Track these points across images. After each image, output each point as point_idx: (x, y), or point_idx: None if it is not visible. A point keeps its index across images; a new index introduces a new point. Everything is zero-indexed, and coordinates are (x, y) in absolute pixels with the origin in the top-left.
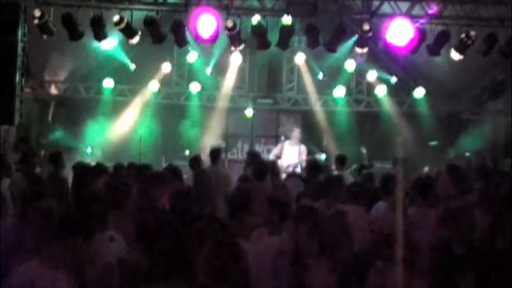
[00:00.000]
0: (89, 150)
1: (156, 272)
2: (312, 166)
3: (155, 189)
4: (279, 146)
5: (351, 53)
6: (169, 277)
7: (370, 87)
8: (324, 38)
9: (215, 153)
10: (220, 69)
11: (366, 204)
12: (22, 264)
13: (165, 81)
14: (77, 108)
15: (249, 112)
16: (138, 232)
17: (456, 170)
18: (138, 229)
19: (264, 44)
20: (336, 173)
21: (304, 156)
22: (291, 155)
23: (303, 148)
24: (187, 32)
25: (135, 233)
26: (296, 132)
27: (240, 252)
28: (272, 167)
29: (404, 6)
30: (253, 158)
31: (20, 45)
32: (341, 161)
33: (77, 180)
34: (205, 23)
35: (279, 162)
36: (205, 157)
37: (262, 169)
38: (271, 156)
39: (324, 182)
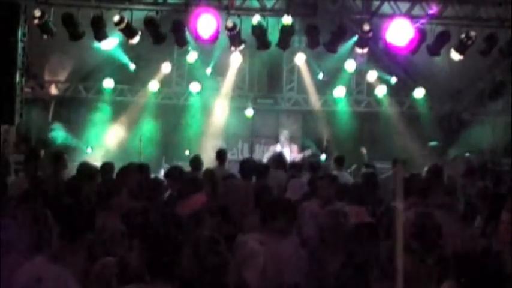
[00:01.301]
0: (89, 150)
1: (148, 271)
2: (304, 166)
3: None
4: (271, 150)
5: (351, 53)
6: (162, 276)
7: (370, 87)
8: (324, 38)
9: (222, 154)
10: (220, 69)
11: (368, 205)
12: (26, 262)
13: (165, 81)
14: (77, 108)
15: (249, 112)
16: (130, 231)
17: (435, 171)
18: (130, 228)
19: (264, 44)
20: (335, 173)
21: (296, 154)
22: None
23: (294, 147)
24: (187, 32)
25: (126, 232)
26: (283, 135)
27: (218, 247)
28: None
29: (404, 6)
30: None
31: (20, 45)
32: (339, 161)
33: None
34: (205, 23)
35: None
36: (205, 157)
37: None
38: (265, 161)
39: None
